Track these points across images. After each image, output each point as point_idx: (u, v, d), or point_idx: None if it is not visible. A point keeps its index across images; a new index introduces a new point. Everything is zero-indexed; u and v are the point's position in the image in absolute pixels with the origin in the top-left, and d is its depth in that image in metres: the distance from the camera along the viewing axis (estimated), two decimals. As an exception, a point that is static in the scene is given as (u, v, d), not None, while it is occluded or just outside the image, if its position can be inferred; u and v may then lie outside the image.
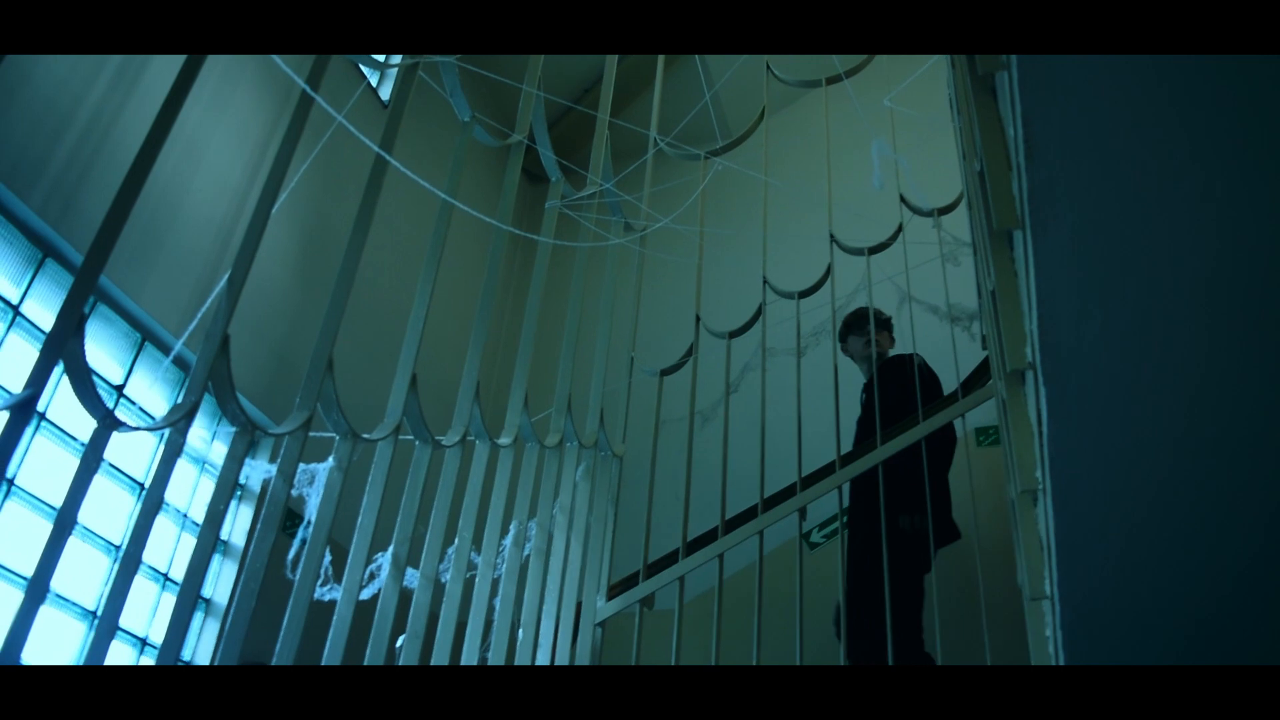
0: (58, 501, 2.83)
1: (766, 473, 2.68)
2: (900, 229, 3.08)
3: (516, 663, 2.21)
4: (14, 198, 2.78)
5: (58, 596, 2.87)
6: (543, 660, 2.29)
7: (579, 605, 2.54)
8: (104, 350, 3.12)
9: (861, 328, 3.27)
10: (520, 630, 2.26)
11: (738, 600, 2.74)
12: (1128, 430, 1.26)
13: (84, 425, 2.83)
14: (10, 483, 2.74)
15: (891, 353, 3.32)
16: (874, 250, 3.05)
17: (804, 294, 2.98)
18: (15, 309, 2.84)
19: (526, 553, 2.31)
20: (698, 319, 2.98)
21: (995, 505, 3.36)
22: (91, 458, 1.30)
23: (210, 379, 1.46)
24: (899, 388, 2.97)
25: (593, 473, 2.62)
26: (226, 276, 1.54)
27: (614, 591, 2.69)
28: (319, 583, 1.62)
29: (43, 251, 2.92)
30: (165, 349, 3.23)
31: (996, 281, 2.07)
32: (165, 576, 3.23)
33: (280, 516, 1.52)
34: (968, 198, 2.49)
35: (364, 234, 1.79)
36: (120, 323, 3.15)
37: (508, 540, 2.23)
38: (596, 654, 2.57)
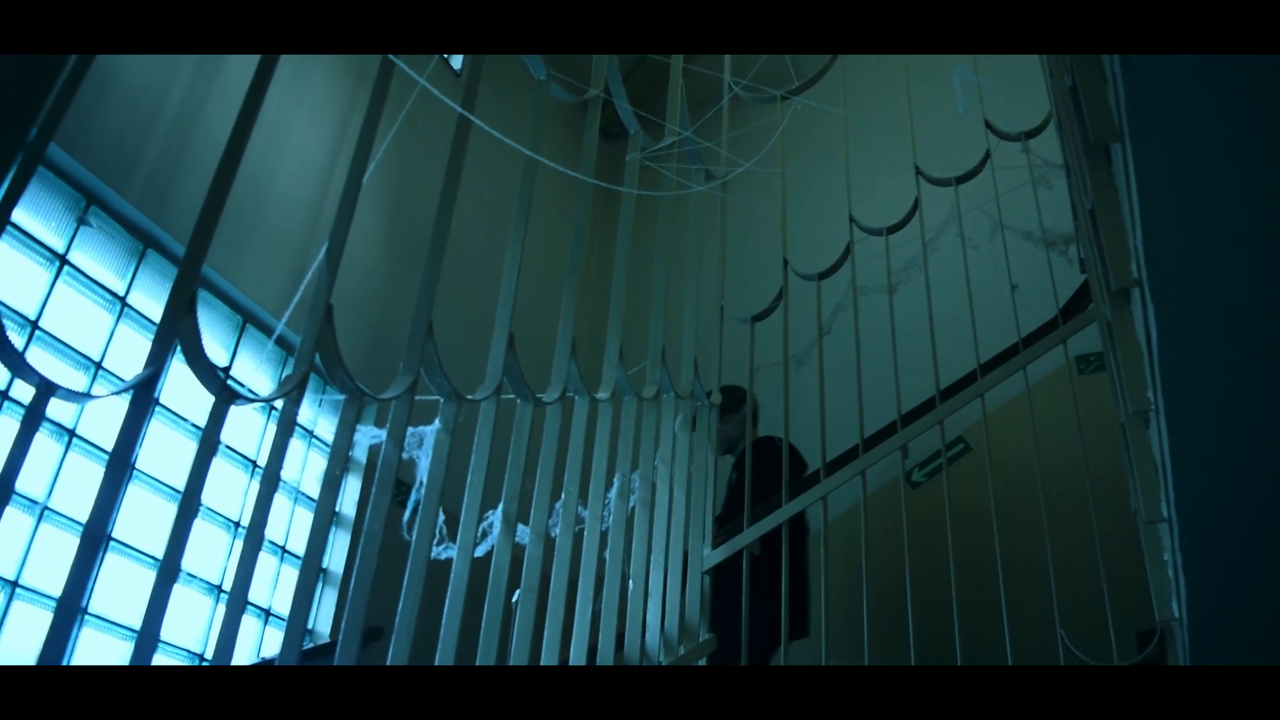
0: (173, 481, 2.95)
1: (865, 413, 2.66)
2: (987, 155, 3.01)
3: (630, 614, 2.25)
4: (112, 193, 2.87)
5: (187, 574, 2.99)
6: (654, 609, 2.32)
7: (685, 554, 2.56)
8: (208, 334, 3.22)
9: (737, 409, 3.19)
10: (630, 581, 2.29)
11: (842, 544, 2.74)
12: (1241, 343, 1.22)
13: (190, 405, 2.94)
14: (132, 467, 2.86)
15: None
16: (961, 180, 2.99)
17: (892, 230, 2.94)
18: (122, 300, 2.95)
19: (631, 505, 2.33)
20: (785, 262, 2.95)
21: (1101, 433, 3.28)
22: (211, 432, 1.35)
23: (317, 349, 1.49)
24: (768, 465, 2.93)
25: (691, 423, 2.63)
26: (324, 248, 1.57)
27: (719, 539, 2.71)
28: (434, 542, 1.66)
29: (143, 243, 3.02)
30: (266, 330, 3.32)
31: (1095, 199, 2.01)
32: (283, 549, 3.34)
33: (392, 479, 1.56)
34: (1057, 117, 2.42)
35: (452, 197, 1.81)
36: (221, 307, 3.25)
37: (612, 493, 2.25)
38: (706, 602, 2.59)
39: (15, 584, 2.53)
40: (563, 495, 2.05)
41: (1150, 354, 1.62)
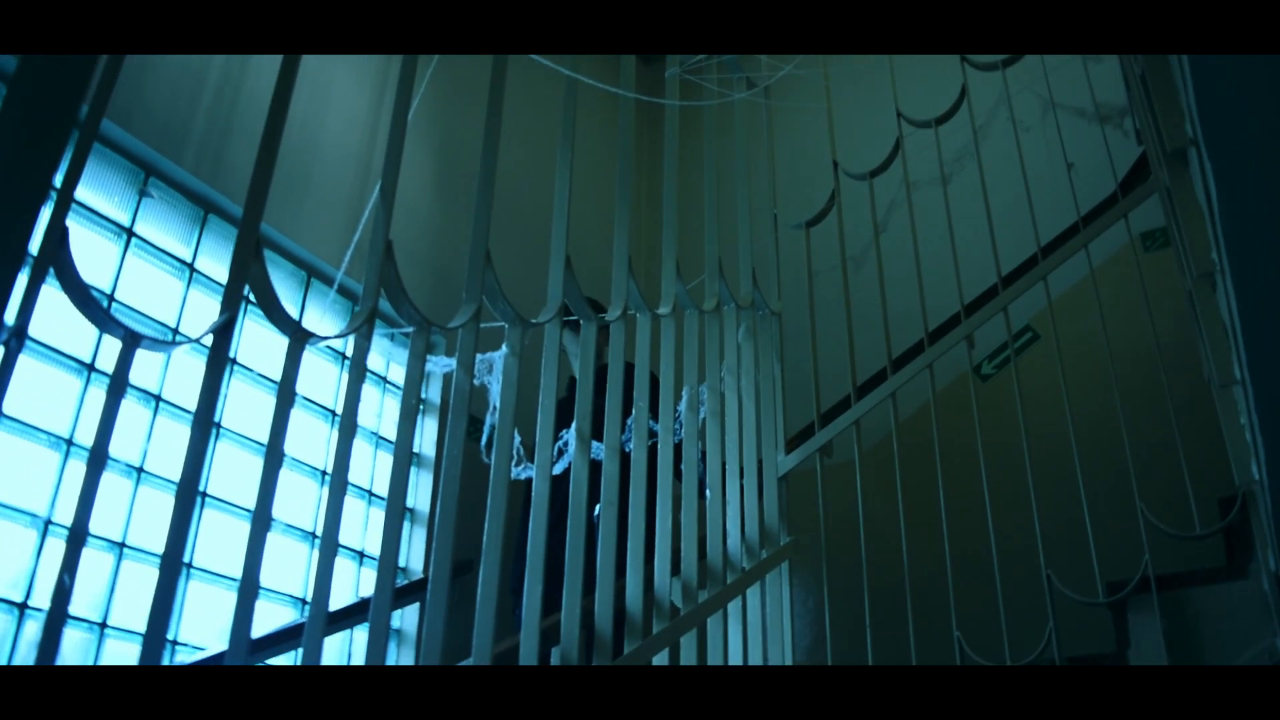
0: (257, 435, 3.05)
1: (927, 307, 2.66)
2: (1034, 34, 2.93)
3: (709, 523, 2.29)
4: (169, 162, 2.94)
5: (283, 524, 3.10)
6: (733, 517, 2.36)
7: (760, 462, 2.59)
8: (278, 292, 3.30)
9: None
10: (708, 491, 2.33)
11: (916, 443, 2.73)
12: (1305, 192, 1.20)
13: (266, 360, 3.04)
14: (219, 425, 2.96)
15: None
16: (1008, 63, 2.93)
17: (941, 120, 2.89)
18: (190, 266, 3.03)
19: (702, 416, 2.37)
20: (835, 164, 2.93)
21: (1169, 311, 3.23)
22: (290, 373, 1.40)
23: (381, 285, 1.54)
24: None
25: (754, 332, 2.64)
26: (378, 187, 1.61)
27: (791, 445, 2.73)
28: (513, 463, 1.71)
29: (203, 209, 3.09)
30: (329, 282, 3.39)
31: (1144, 62, 1.97)
32: (370, 493, 3.44)
33: (466, 404, 1.60)
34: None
35: (497, 127, 1.83)
36: (284, 263, 3.33)
37: (682, 406, 2.28)
38: (784, 509, 2.63)
39: (123, 545, 2.65)
40: (633, 410, 2.09)
41: (1211, 214, 1.59)
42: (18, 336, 1.10)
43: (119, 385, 1.17)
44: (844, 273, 2.76)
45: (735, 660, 2.25)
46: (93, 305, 1.14)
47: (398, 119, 1.69)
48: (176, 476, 2.81)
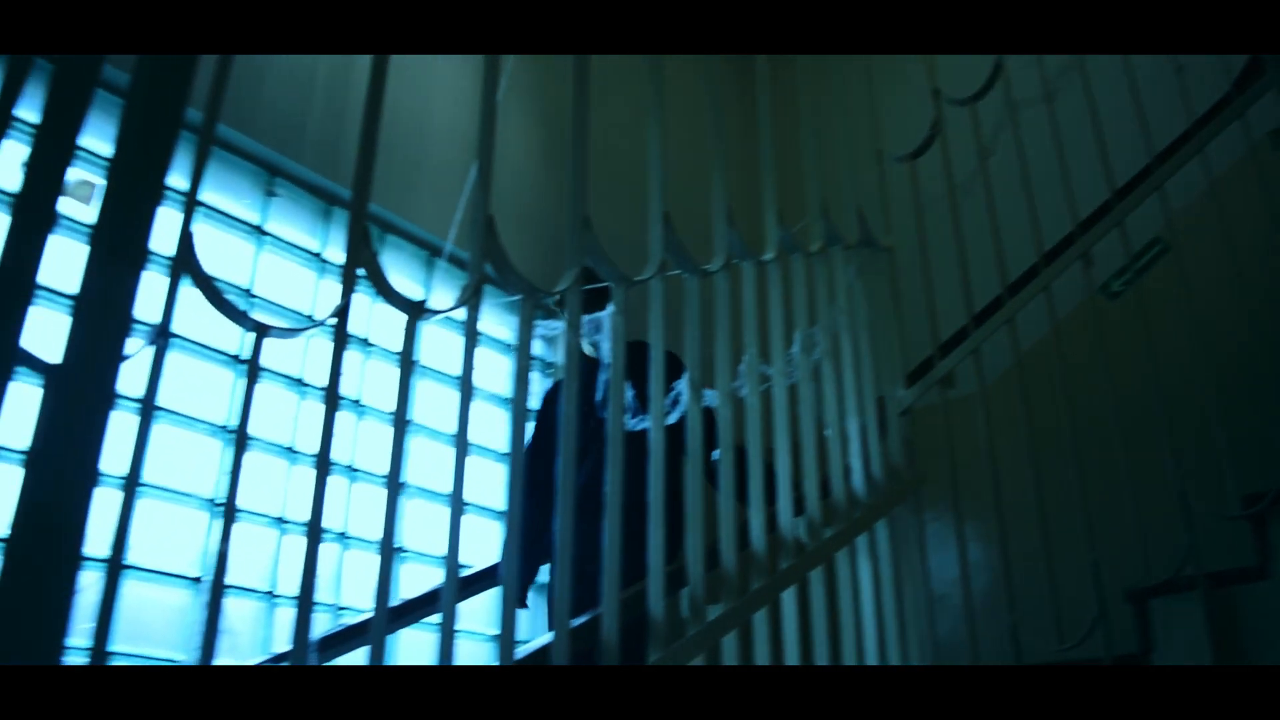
0: (372, 402, 3.22)
1: (1042, 227, 2.60)
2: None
3: (832, 461, 2.32)
4: (289, 161, 3.10)
5: (416, 488, 3.27)
6: (855, 454, 2.39)
7: (880, 399, 2.60)
8: (400, 272, 3.45)
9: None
10: (828, 430, 2.36)
11: (1042, 374, 2.68)
12: None
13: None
14: (359, 402, 3.13)
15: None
16: (1110, -34, 2.82)
17: (1042, 34, 2.81)
18: (319, 258, 3.20)
19: (816, 358, 2.39)
20: (936, 91, 2.89)
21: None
22: (408, 348, 1.50)
23: (486, 258, 1.62)
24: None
25: (865, 270, 2.64)
26: (475, 166, 1.69)
27: (912, 380, 2.73)
28: (627, 415, 1.78)
29: (326, 202, 3.25)
30: (452, 258, 3.53)
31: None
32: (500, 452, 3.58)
33: (577, 364, 1.68)
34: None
35: (586, 87, 1.88)
36: (407, 245, 3.47)
37: (795, 349, 2.31)
38: (908, 443, 2.63)
39: (282, 520, 2.85)
40: (744, 357, 2.13)
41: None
42: (162, 335, 1.21)
43: (253, 372, 1.28)
44: (952, 201, 2.72)
45: (867, 595, 2.28)
46: (223, 302, 1.26)
47: (487, 96, 1.76)
48: (339, 455, 3.00)
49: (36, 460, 0.73)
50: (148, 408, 1.17)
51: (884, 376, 2.63)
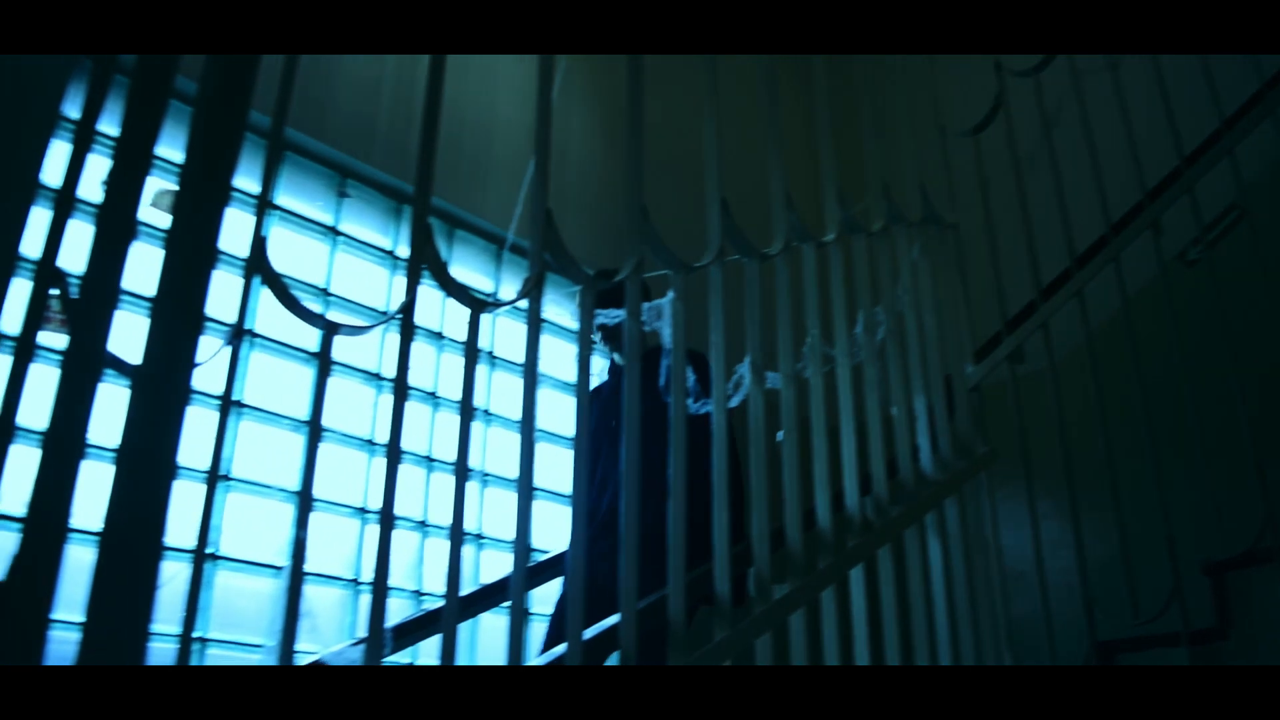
0: (447, 394, 3.29)
1: (1109, 198, 2.57)
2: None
3: (896, 442, 2.32)
4: (360, 164, 3.19)
5: (492, 475, 3.34)
6: (922, 433, 2.39)
7: (948, 377, 2.59)
8: (469, 265, 3.52)
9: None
10: (894, 409, 2.36)
11: (1113, 347, 2.64)
12: None
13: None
14: (434, 395, 3.21)
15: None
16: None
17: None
18: (392, 255, 3.28)
19: (880, 337, 2.39)
20: (998, 64, 2.86)
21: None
22: (472, 340, 1.55)
23: (546, 250, 1.66)
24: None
25: (929, 247, 2.63)
26: (532, 162, 1.73)
27: (980, 355, 2.72)
28: (691, 400, 1.81)
29: (396, 201, 3.33)
30: (520, 251, 3.59)
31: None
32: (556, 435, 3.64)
33: (639, 352, 1.71)
34: None
35: (640, 78, 1.91)
36: (475, 240, 3.54)
37: (859, 329, 2.32)
38: (978, 419, 2.62)
39: (364, 510, 2.94)
40: (807, 339, 2.14)
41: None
42: (238, 336, 1.28)
43: (324, 367, 1.34)
44: (1017, 173, 2.69)
45: (937, 573, 2.29)
46: (293, 302, 1.31)
47: (543, 94, 1.80)
48: (416, 445, 3.09)
49: (123, 457, 0.79)
50: (226, 404, 1.24)
51: (951, 354, 2.62)
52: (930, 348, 2.51)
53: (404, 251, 3.32)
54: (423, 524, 3.08)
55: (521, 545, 1.49)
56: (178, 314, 0.82)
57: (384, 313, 3.18)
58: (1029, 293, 2.66)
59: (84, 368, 0.90)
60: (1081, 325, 2.53)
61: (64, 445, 0.87)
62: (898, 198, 2.53)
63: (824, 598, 1.96)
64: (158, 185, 2.69)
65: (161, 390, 0.79)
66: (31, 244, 2.51)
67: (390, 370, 3.12)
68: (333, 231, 3.16)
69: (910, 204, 2.62)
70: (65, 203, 1.23)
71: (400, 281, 3.26)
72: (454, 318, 3.38)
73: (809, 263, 2.19)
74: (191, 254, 0.85)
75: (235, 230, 2.80)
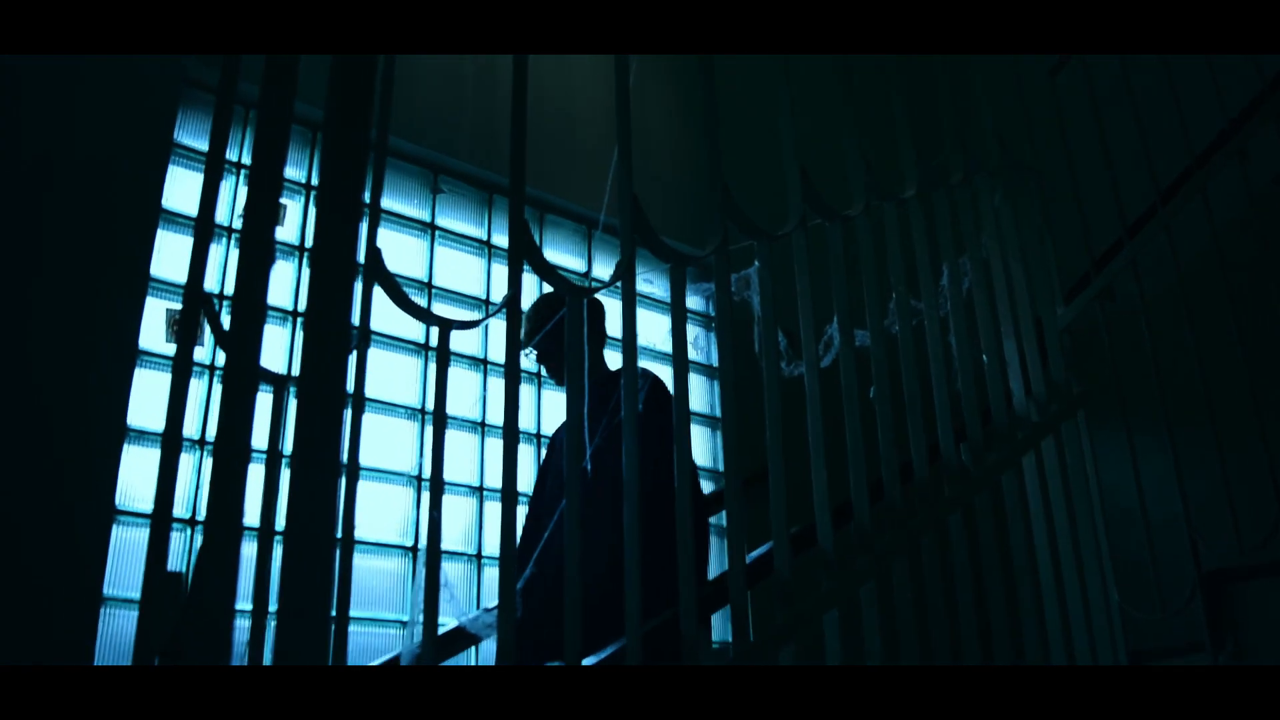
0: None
1: (1191, 130, 2.55)
2: None
3: (989, 389, 2.37)
4: (450, 159, 3.33)
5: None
6: (1015, 377, 2.42)
7: (1038, 320, 2.61)
8: (565, 249, 3.64)
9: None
10: (985, 356, 2.40)
11: (1203, 279, 2.63)
12: None
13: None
14: (538, 376, 3.34)
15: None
16: None
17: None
18: (488, 244, 3.42)
19: (966, 287, 2.43)
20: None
21: None
22: (574, 321, 1.65)
23: (635, 233, 1.75)
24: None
25: (1011, 193, 2.65)
26: (616, 149, 1.82)
27: (1069, 297, 2.73)
28: (784, 363, 1.89)
29: (487, 192, 3.47)
30: (608, 229, 3.70)
31: None
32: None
33: (729, 321, 1.80)
34: None
35: (711, 65, 1.98)
36: (566, 223, 3.66)
37: (944, 281, 2.37)
38: (1071, 361, 2.64)
39: (481, 489, 3.09)
40: (893, 294, 2.20)
41: None
42: (364, 339, 1.40)
43: (443, 362, 1.46)
44: (1096, 113, 2.69)
45: (1038, 516, 2.33)
46: (408, 303, 1.43)
47: (621, 98, 1.86)
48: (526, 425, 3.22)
49: (297, 459, 0.90)
50: (359, 403, 1.37)
51: (1040, 298, 2.64)
52: (1018, 293, 2.54)
53: (499, 240, 3.45)
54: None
55: (631, 517, 1.60)
56: (328, 325, 0.94)
57: (482, 300, 3.32)
58: (1115, 231, 2.66)
59: (241, 380, 1.02)
60: (1171, 260, 2.53)
61: (232, 452, 0.99)
62: (977, 146, 2.56)
63: (924, 546, 2.03)
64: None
65: (322, 397, 0.90)
66: (163, 265, 2.70)
67: (495, 353, 3.27)
68: (430, 227, 3.30)
69: (990, 152, 2.64)
70: (205, 228, 1.37)
71: (496, 269, 3.39)
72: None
73: (890, 220, 2.25)
74: (335, 269, 0.96)
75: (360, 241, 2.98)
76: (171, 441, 1.22)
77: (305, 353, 0.93)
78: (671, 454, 1.76)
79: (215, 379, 2.66)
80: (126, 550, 2.42)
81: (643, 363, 3.73)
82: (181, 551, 2.52)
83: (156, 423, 2.55)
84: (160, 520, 1.19)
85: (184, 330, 1.26)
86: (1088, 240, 2.71)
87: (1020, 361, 2.45)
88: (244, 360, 1.02)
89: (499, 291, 3.36)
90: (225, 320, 1.17)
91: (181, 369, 1.27)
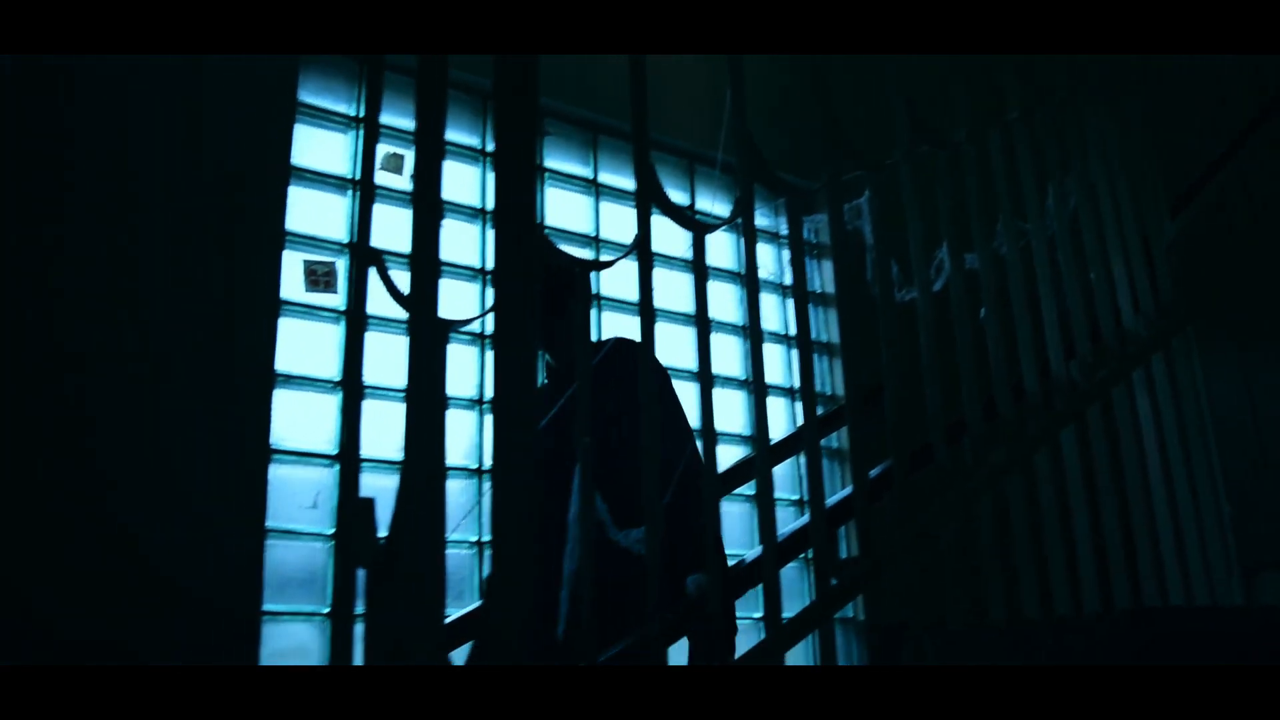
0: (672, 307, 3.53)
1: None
2: None
3: (1098, 307, 2.40)
4: (550, 100, 3.43)
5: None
6: (1123, 294, 2.46)
7: (1145, 237, 2.63)
8: (667, 185, 3.73)
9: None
10: (1091, 274, 2.44)
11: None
12: None
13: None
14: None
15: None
16: None
17: None
18: (594, 183, 3.54)
19: (1073, 205, 2.46)
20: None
21: None
22: (699, 261, 1.74)
23: (747, 170, 1.83)
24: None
25: (1116, 110, 2.65)
26: (729, 90, 1.90)
27: (1176, 211, 2.73)
28: (895, 289, 1.97)
29: (591, 131, 3.58)
30: (708, 162, 3.77)
31: None
32: (786, 337, 3.84)
33: (844, 250, 1.88)
34: None
35: None
36: (670, 159, 3.75)
37: (1049, 203, 2.40)
38: (1179, 277, 2.65)
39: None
40: (1000, 217, 2.25)
41: None
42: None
43: (585, 301, 1.57)
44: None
45: (1149, 429, 2.37)
46: (552, 250, 1.55)
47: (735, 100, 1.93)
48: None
49: (497, 408, 1.03)
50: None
51: (1147, 214, 2.65)
52: (1125, 210, 2.55)
53: (605, 180, 3.56)
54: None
55: (763, 436, 1.71)
56: (514, 284, 1.05)
57: (595, 239, 3.44)
58: (1222, 144, 2.65)
59: (428, 332, 1.14)
60: (1281, 170, 2.52)
61: (427, 401, 1.12)
62: (1078, 63, 2.56)
63: (1039, 461, 2.10)
64: (386, 149, 3.01)
65: (517, 348, 1.02)
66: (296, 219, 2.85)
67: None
68: (539, 170, 3.43)
69: (1092, 70, 2.64)
70: (368, 189, 1.50)
71: (604, 207, 3.50)
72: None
73: (995, 144, 2.29)
74: (516, 230, 1.08)
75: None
76: (352, 388, 1.36)
77: (498, 310, 1.04)
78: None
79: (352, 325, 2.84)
80: (282, 486, 2.62)
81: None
82: (334, 486, 2.72)
83: (301, 367, 2.74)
84: (350, 453, 1.33)
85: (357, 283, 1.39)
86: (1195, 155, 2.70)
87: (1128, 279, 2.48)
88: (423, 310, 1.15)
89: (610, 227, 3.49)
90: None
91: (356, 321, 1.41)
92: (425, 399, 1.13)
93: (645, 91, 1.75)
